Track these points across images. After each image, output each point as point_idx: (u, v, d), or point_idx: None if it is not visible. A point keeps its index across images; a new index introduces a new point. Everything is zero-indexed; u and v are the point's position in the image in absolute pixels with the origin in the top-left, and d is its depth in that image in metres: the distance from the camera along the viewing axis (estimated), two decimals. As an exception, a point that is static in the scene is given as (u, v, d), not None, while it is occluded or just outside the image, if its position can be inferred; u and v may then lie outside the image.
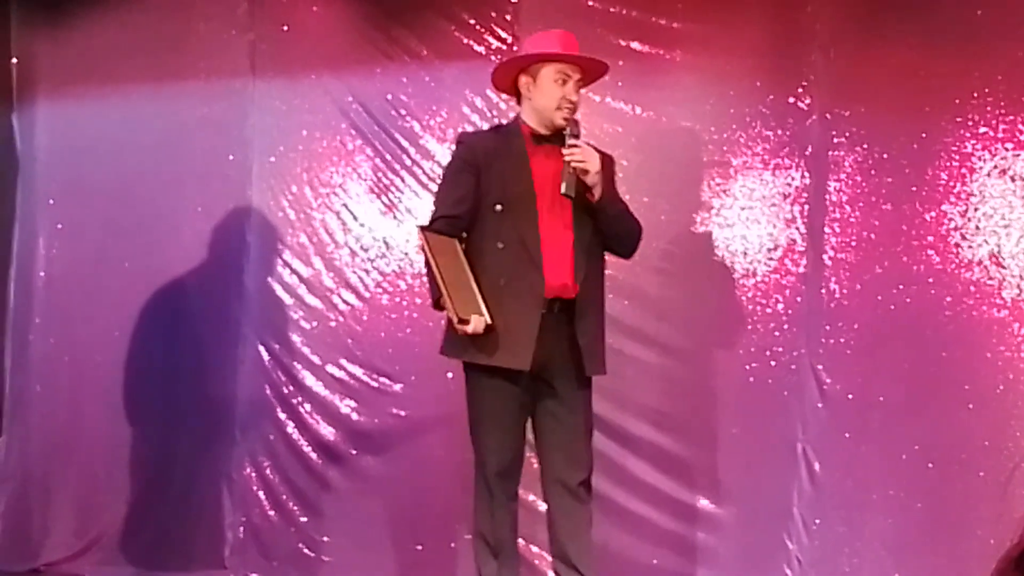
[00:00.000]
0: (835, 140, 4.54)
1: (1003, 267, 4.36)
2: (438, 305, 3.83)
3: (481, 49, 4.92)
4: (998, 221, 4.37)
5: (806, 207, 4.57)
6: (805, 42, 4.56)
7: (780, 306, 4.58)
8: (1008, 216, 4.36)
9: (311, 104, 5.14)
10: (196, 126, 5.26)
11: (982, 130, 4.38)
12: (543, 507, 4.09)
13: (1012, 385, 4.30)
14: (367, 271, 5.08)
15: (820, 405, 4.50)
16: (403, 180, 5.04)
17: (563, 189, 3.80)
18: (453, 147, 4.13)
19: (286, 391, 5.10)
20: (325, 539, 5.00)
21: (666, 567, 4.62)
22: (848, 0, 4.54)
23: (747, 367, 4.58)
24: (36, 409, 5.42)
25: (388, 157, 5.05)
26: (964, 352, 4.36)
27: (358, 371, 5.04)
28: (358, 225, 5.10)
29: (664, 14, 4.72)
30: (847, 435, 4.48)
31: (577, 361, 3.87)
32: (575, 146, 3.82)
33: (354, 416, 5.03)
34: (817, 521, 4.49)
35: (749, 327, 4.60)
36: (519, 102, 4.01)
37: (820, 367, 4.51)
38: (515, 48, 4.73)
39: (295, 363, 5.10)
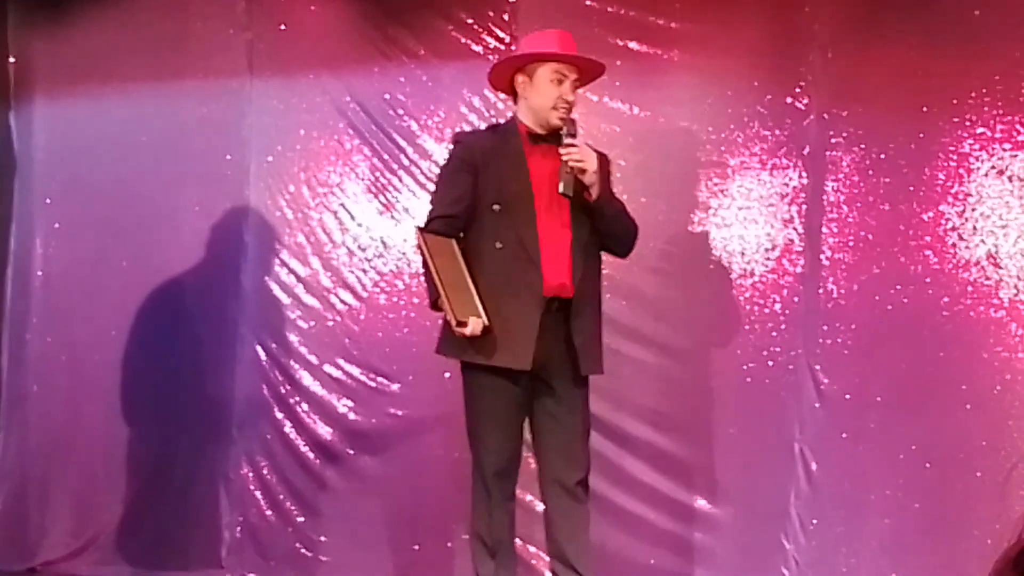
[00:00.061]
0: (833, 140, 4.53)
1: (1000, 267, 4.36)
2: (436, 306, 3.83)
3: (479, 49, 4.92)
4: (995, 221, 4.37)
5: (804, 207, 4.57)
6: (803, 42, 4.55)
7: (777, 306, 4.58)
8: (1005, 216, 4.36)
9: (309, 103, 5.14)
10: (194, 125, 5.25)
11: (980, 130, 4.38)
12: (540, 507, 4.09)
13: (1009, 385, 4.30)
14: (364, 271, 5.08)
15: (817, 405, 4.50)
16: (401, 180, 5.04)
17: (561, 188, 3.80)
18: (450, 147, 4.13)
19: (283, 391, 5.09)
20: (322, 539, 4.99)
21: (663, 567, 4.61)
22: (846, 0, 4.54)
23: (744, 367, 4.58)
24: (33, 409, 5.41)
25: (386, 156, 5.05)
26: (961, 352, 4.36)
27: (355, 371, 5.03)
28: (355, 225, 5.09)
29: (662, 14, 4.71)
30: (844, 435, 4.48)
31: (574, 361, 3.87)
32: (572, 145, 3.81)
33: (351, 416, 5.02)
34: (814, 521, 4.49)
35: (746, 327, 4.59)
36: (516, 101, 4.01)
37: (817, 367, 4.50)
38: (513, 48, 4.72)
39: (292, 363, 5.09)
